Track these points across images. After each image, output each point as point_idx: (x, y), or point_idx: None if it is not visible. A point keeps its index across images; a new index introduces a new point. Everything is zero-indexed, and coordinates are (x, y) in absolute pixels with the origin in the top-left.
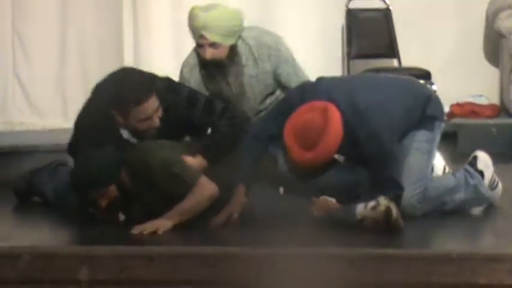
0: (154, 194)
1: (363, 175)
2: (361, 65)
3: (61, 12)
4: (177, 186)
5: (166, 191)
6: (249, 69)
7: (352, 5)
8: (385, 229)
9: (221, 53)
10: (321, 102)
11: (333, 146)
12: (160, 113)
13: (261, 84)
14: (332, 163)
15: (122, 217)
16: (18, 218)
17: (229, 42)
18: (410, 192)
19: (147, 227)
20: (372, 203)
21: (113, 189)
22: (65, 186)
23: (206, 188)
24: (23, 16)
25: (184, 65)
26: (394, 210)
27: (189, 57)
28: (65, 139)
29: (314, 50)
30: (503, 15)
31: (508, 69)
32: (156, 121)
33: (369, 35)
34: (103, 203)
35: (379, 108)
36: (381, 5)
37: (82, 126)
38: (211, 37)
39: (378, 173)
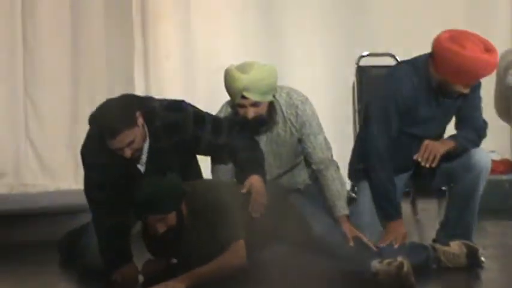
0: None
1: None
2: None
3: (72, 76)
4: (212, 237)
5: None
6: (278, 128)
7: (362, 62)
8: (396, 285)
9: (262, 110)
10: None
11: None
12: (137, 145)
13: (288, 145)
14: None
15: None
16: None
17: (269, 98)
18: None
19: None
20: (388, 260)
21: (172, 217)
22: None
23: (235, 257)
24: (35, 80)
25: None
26: (406, 266)
27: (219, 112)
28: (77, 200)
29: (325, 106)
30: None
31: None
32: (127, 153)
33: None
34: (161, 228)
35: None
36: (392, 62)
37: (84, 154)
38: (253, 97)
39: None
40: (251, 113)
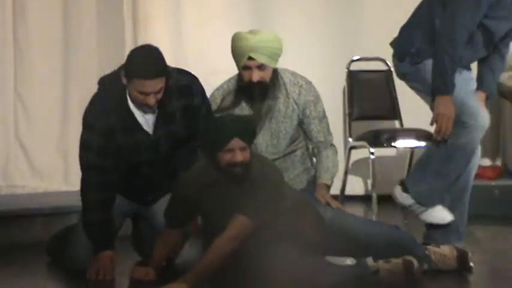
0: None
1: None
2: (363, 127)
3: (63, 77)
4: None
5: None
6: (279, 103)
7: (353, 67)
8: (404, 281)
9: (266, 76)
10: None
11: None
12: (159, 96)
13: (287, 122)
14: None
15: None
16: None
17: (274, 64)
18: None
19: None
20: (383, 260)
21: (249, 152)
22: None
23: (230, 236)
24: (25, 81)
25: (218, 88)
26: (414, 261)
27: (224, 82)
28: (67, 202)
29: None
30: (504, 76)
31: (510, 130)
32: (151, 101)
33: (370, 96)
34: (241, 157)
35: None
36: (382, 67)
37: (87, 116)
38: (259, 58)
39: None
40: (256, 76)
